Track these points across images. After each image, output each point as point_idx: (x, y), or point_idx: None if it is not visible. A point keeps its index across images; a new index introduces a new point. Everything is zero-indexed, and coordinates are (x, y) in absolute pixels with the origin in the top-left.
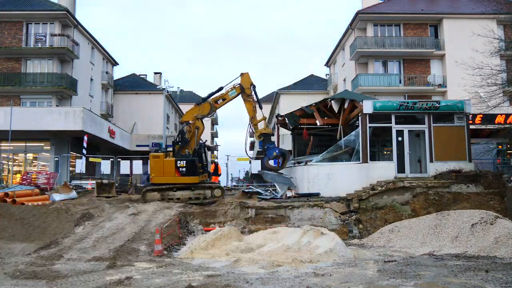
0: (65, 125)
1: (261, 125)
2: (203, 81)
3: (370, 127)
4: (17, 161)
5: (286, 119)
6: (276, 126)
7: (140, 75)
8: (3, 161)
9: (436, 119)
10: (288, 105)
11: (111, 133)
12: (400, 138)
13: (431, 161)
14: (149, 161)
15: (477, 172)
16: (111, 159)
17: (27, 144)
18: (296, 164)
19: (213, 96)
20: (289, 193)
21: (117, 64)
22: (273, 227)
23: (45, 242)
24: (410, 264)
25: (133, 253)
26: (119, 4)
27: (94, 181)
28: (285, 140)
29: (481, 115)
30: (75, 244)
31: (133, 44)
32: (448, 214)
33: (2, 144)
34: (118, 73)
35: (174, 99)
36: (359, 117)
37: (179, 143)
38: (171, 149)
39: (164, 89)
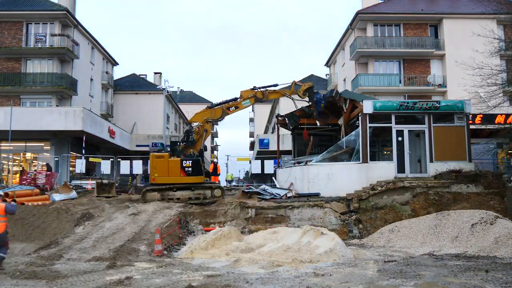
0: (65, 125)
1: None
2: (201, 78)
3: (370, 127)
4: (17, 161)
5: (286, 119)
6: (276, 126)
7: (140, 75)
8: (3, 161)
9: (436, 119)
10: (288, 105)
11: (111, 133)
12: (400, 138)
13: (431, 161)
14: (149, 161)
15: (477, 172)
16: (111, 159)
17: (27, 144)
18: (296, 164)
19: (227, 103)
20: (289, 193)
21: (117, 64)
22: (273, 227)
23: (45, 242)
24: (410, 264)
25: (133, 253)
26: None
27: (94, 181)
28: (285, 140)
29: (481, 115)
30: (75, 244)
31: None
32: (448, 214)
33: (2, 144)
34: (118, 73)
35: (174, 99)
36: (359, 117)
37: (180, 143)
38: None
39: (164, 89)
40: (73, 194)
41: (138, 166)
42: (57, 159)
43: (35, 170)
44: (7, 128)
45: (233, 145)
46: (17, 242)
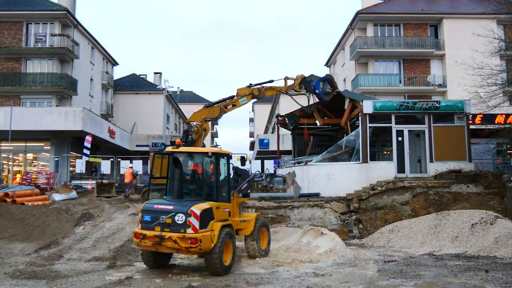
0: (65, 125)
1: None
2: (201, 77)
3: (370, 127)
4: (17, 161)
5: (286, 119)
6: (276, 126)
7: (140, 75)
8: (3, 161)
9: (436, 119)
10: (288, 105)
11: (111, 133)
12: (400, 138)
13: (431, 161)
14: (149, 161)
15: (477, 172)
16: (111, 159)
17: (27, 144)
18: (296, 164)
19: (224, 102)
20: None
21: (117, 64)
22: (273, 227)
23: (45, 242)
24: (410, 264)
25: (133, 253)
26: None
27: (94, 181)
28: (285, 140)
29: (481, 115)
30: (75, 244)
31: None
32: (448, 214)
33: (2, 144)
34: (118, 73)
35: (174, 99)
36: (359, 117)
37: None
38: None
39: (164, 89)
40: (73, 194)
41: (138, 166)
42: (57, 159)
43: (35, 171)
44: (7, 128)
45: (233, 144)
46: (17, 242)
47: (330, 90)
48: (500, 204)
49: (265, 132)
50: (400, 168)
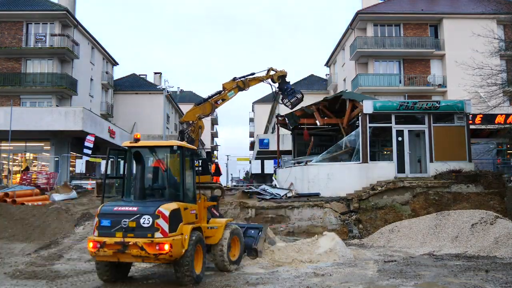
0: (65, 125)
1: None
2: (201, 77)
3: (370, 127)
4: (17, 161)
5: (286, 119)
6: (276, 126)
7: (140, 75)
8: (3, 161)
9: (436, 119)
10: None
11: (111, 133)
12: (400, 138)
13: (431, 161)
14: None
15: (477, 172)
16: (111, 159)
17: (27, 144)
18: (296, 164)
19: (213, 97)
20: (289, 193)
21: (117, 64)
22: (273, 227)
23: (45, 242)
24: (410, 264)
25: None
26: None
27: (94, 181)
28: (285, 140)
29: (481, 115)
30: (75, 244)
31: (128, 38)
32: (448, 214)
33: (2, 144)
34: (118, 73)
35: (174, 99)
36: (359, 117)
37: None
38: None
39: (164, 89)
40: (73, 194)
41: None
42: (57, 159)
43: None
44: (7, 128)
45: (233, 144)
46: (17, 242)
47: (288, 106)
48: (500, 204)
49: (265, 132)
50: (400, 168)
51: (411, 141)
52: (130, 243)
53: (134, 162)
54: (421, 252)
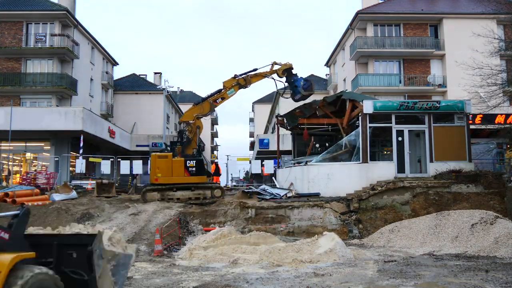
0: (65, 125)
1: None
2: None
3: (370, 127)
4: (17, 161)
5: (285, 119)
6: (276, 126)
7: (140, 75)
8: (3, 161)
9: (436, 119)
10: (288, 105)
11: (111, 133)
12: (400, 138)
13: (431, 161)
14: (149, 161)
15: (477, 172)
16: (111, 159)
17: (27, 144)
18: (296, 164)
19: (213, 96)
20: (289, 193)
21: (117, 64)
22: (273, 227)
23: None
24: (410, 264)
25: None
26: None
27: (94, 181)
28: (285, 140)
29: (481, 115)
30: None
31: (127, 38)
32: (448, 214)
33: (2, 144)
34: (118, 73)
35: (174, 99)
36: (359, 117)
37: (179, 143)
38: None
39: (164, 89)
40: (73, 194)
41: (138, 166)
42: (57, 159)
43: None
44: (7, 128)
45: (233, 143)
46: None
47: (305, 94)
48: (500, 204)
49: (265, 132)
50: (400, 168)
51: (411, 141)
52: None
53: None
54: (421, 252)
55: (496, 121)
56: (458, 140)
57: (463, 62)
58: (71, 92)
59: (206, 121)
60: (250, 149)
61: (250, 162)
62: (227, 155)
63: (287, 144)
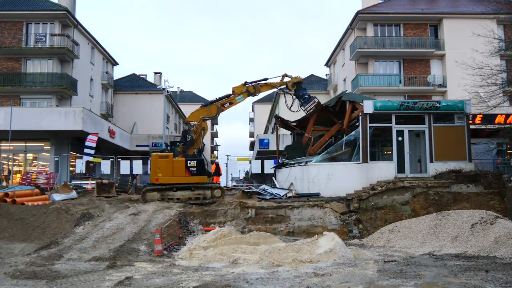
0: (65, 125)
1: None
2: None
3: (370, 127)
4: (17, 161)
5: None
6: (275, 126)
7: (140, 75)
8: (3, 161)
9: (436, 119)
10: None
11: (111, 133)
12: (400, 138)
13: (431, 161)
14: (150, 161)
15: (477, 172)
16: (111, 159)
17: (27, 144)
18: (296, 164)
19: (221, 100)
20: (289, 193)
21: (117, 64)
22: (273, 227)
23: (45, 242)
24: (410, 264)
25: (133, 253)
26: None
27: (94, 181)
28: (285, 140)
29: (481, 115)
30: (75, 244)
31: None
32: (448, 214)
33: (2, 144)
34: (118, 73)
35: (174, 99)
36: (359, 117)
37: (180, 143)
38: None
39: (164, 89)
40: (73, 194)
41: (138, 166)
42: (57, 159)
43: (35, 171)
44: (7, 128)
45: (233, 142)
46: (17, 242)
47: (309, 109)
48: (500, 204)
49: (265, 132)
50: (400, 168)
51: (411, 141)
52: None
53: None
54: (421, 252)
55: (496, 121)
56: (458, 140)
57: (463, 62)
58: (71, 92)
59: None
60: (250, 149)
61: (250, 162)
62: (227, 155)
63: (287, 144)
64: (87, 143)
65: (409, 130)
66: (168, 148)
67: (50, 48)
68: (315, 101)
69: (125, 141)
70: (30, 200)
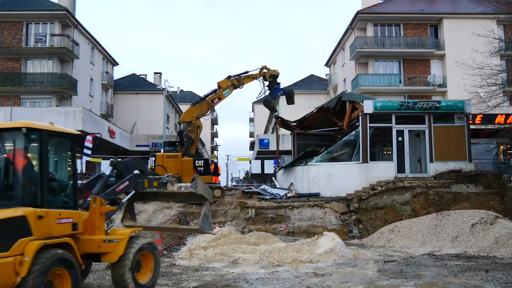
0: (65, 125)
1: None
2: (201, 77)
3: (370, 127)
4: None
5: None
6: (275, 126)
7: (140, 75)
8: None
9: (436, 119)
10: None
11: (111, 133)
12: (400, 138)
13: (431, 161)
14: (152, 161)
15: (477, 172)
16: (111, 159)
17: None
18: (296, 164)
19: (209, 96)
20: (289, 193)
21: (117, 64)
22: (273, 227)
23: None
24: (410, 264)
25: None
26: None
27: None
28: (285, 140)
29: (481, 115)
30: None
31: (127, 38)
32: (448, 214)
33: None
34: (118, 73)
35: (174, 99)
36: (359, 117)
37: (178, 143)
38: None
39: (164, 89)
40: None
41: None
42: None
43: None
44: None
45: (233, 142)
46: None
47: (273, 106)
48: (500, 204)
49: (265, 132)
50: (400, 168)
51: (411, 141)
52: None
53: None
54: (421, 252)
55: (496, 121)
56: (458, 140)
57: (463, 62)
58: (71, 92)
59: (206, 121)
60: (250, 149)
61: (250, 162)
62: (227, 155)
63: (287, 144)
64: (86, 143)
65: (409, 130)
66: (178, 147)
67: (50, 48)
68: (285, 91)
69: (125, 141)
70: None
